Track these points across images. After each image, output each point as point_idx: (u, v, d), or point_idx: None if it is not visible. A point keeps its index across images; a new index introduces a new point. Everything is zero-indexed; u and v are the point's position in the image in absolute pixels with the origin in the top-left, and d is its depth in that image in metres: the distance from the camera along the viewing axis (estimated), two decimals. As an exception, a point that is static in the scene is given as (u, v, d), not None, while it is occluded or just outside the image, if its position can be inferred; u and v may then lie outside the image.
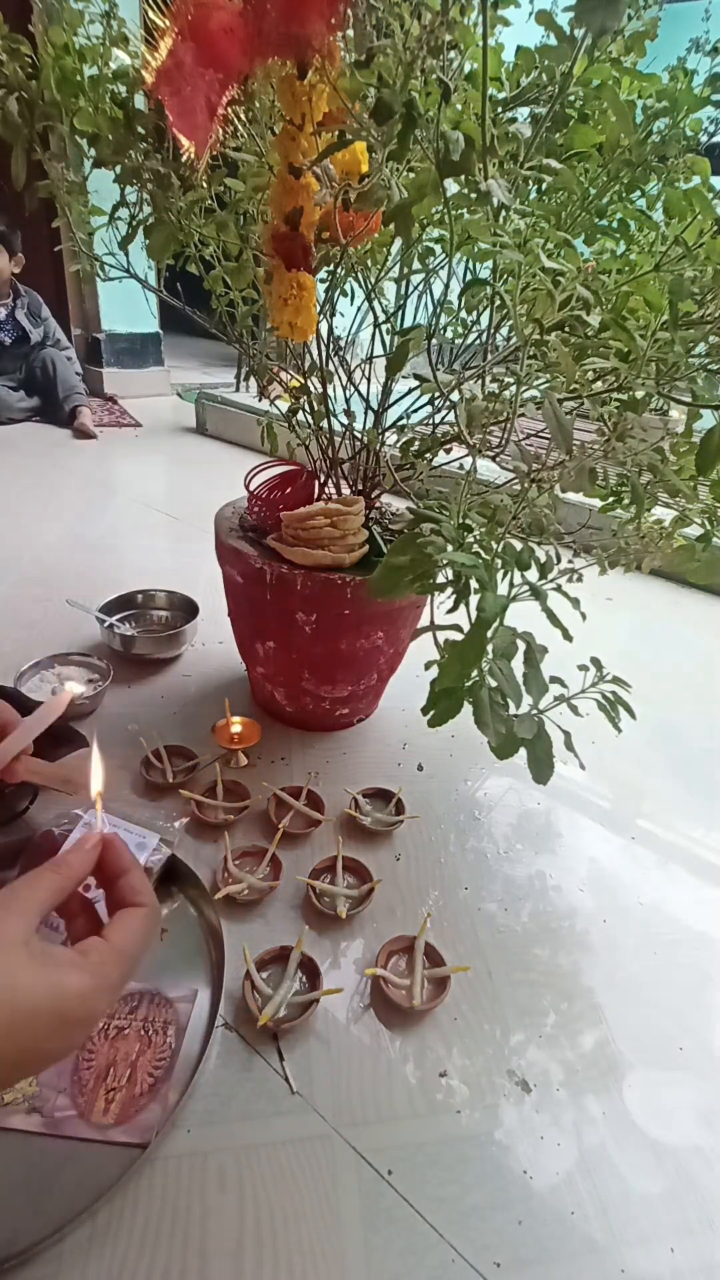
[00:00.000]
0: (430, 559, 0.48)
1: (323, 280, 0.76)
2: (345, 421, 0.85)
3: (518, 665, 0.49)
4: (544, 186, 0.68)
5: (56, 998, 0.29)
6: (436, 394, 0.74)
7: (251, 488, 0.87)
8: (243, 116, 0.68)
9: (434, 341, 0.69)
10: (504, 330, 0.68)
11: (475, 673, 0.48)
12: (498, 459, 0.68)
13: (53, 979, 0.30)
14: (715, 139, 0.63)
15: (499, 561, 0.50)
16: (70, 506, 1.72)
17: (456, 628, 0.50)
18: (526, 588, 0.52)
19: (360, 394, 0.86)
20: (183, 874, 0.69)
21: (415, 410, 0.85)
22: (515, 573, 0.51)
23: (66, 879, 0.33)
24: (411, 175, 0.56)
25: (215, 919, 0.64)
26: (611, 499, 0.79)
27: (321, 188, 0.61)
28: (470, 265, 0.77)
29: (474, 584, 0.47)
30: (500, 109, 0.61)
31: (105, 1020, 0.55)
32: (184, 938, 0.64)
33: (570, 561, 0.61)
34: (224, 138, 0.65)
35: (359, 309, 0.85)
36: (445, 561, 0.47)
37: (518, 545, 0.52)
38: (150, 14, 0.62)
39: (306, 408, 0.84)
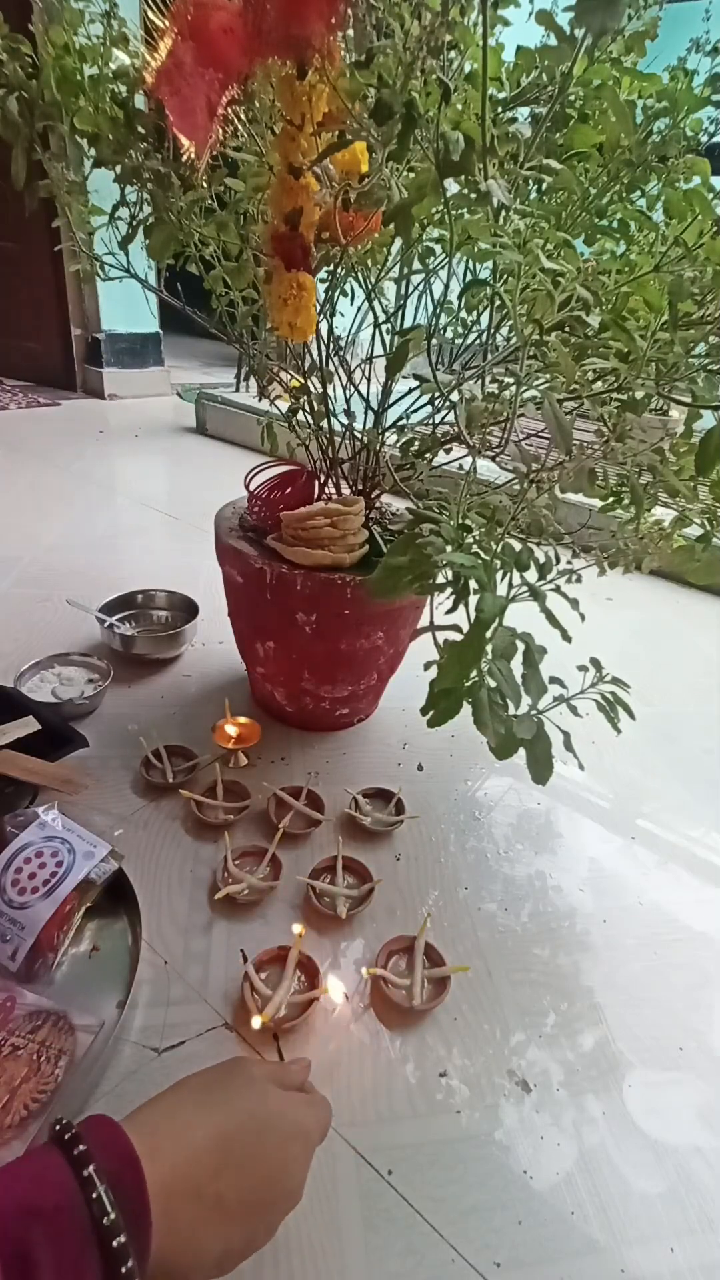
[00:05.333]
0: (429, 559, 0.48)
1: (323, 280, 0.76)
2: (345, 421, 0.85)
3: (517, 666, 0.49)
4: (544, 186, 0.68)
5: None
6: (436, 394, 0.74)
7: (251, 488, 0.87)
8: (243, 116, 0.68)
9: (434, 341, 0.69)
10: (504, 330, 0.68)
11: (474, 673, 0.48)
12: (497, 459, 0.68)
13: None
14: (715, 139, 0.63)
15: (498, 562, 0.50)
16: (70, 506, 1.72)
17: (456, 628, 0.50)
18: (525, 588, 0.52)
19: (360, 394, 0.86)
20: (128, 894, 0.65)
21: (415, 410, 0.85)
22: (514, 573, 0.51)
23: (292, 1072, 0.45)
24: (411, 175, 0.56)
25: (138, 950, 0.61)
26: (611, 499, 0.79)
27: (321, 188, 0.61)
28: (470, 265, 0.77)
29: (473, 584, 0.47)
30: (500, 109, 0.61)
31: (4, 1036, 0.51)
32: (113, 960, 0.61)
33: (570, 562, 0.61)
34: (224, 138, 0.65)
35: (359, 309, 0.85)
36: (444, 562, 0.47)
37: (517, 546, 0.52)
38: (150, 14, 0.62)
39: (306, 408, 0.84)
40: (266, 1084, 0.39)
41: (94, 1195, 0.29)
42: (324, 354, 0.82)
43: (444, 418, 0.78)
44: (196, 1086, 0.38)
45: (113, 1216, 0.29)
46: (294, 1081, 0.44)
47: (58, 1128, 0.32)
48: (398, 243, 0.75)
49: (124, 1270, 0.28)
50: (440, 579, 0.51)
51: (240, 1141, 0.35)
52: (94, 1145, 0.31)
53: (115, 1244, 0.28)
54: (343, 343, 0.85)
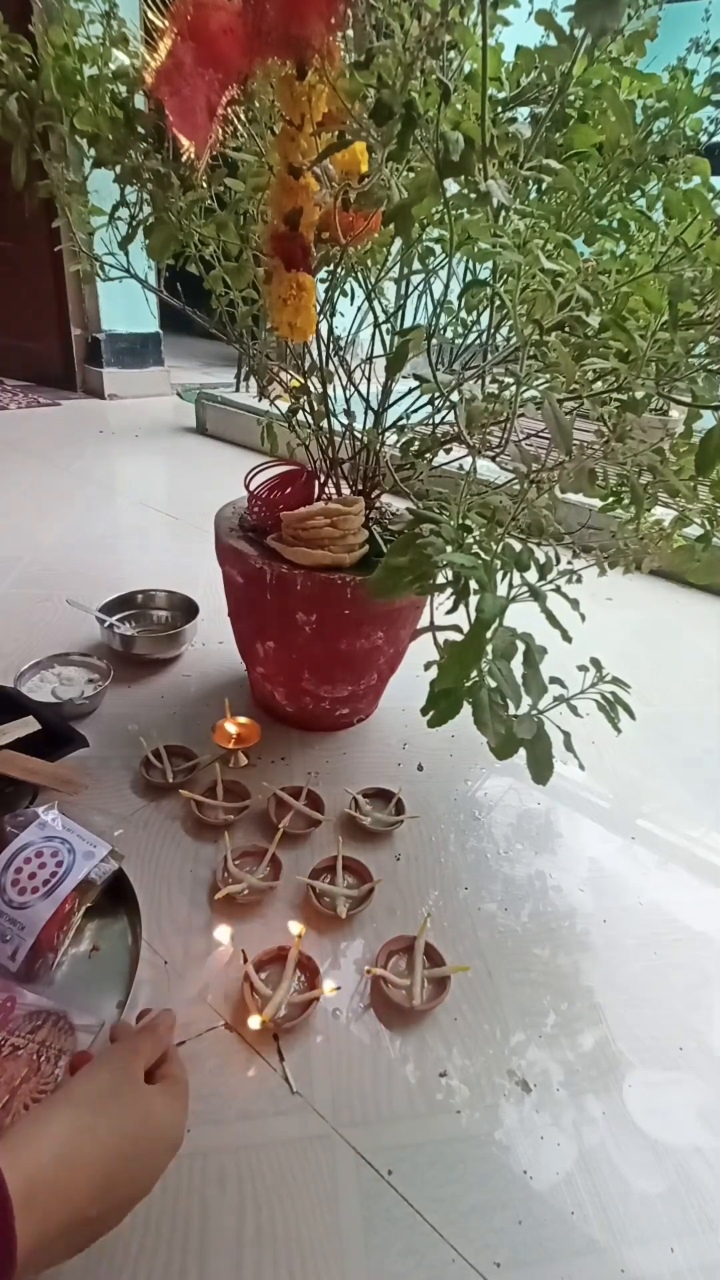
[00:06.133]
0: (429, 559, 0.48)
1: (323, 280, 0.76)
2: (345, 421, 0.85)
3: (517, 666, 0.49)
4: (544, 186, 0.68)
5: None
6: (436, 394, 0.74)
7: (251, 488, 0.87)
8: (243, 116, 0.68)
9: (434, 341, 0.69)
10: (504, 330, 0.68)
11: (475, 673, 0.48)
12: (498, 459, 0.68)
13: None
14: (715, 139, 0.63)
15: (498, 562, 0.49)
16: (70, 506, 1.72)
17: (456, 628, 0.50)
18: (526, 588, 0.52)
19: (360, 394, 0.86)
20: (128, 894, 0.66)
21: (415, 410, 0.85)
22: (514, 573, 0.51)
23: (160, 1041, 0.46)
24: (411, 175, 0.56)
25: (138, 950, 0.61)
26: (611, 499, 0.79)
27: (321, 188, 0.61)
28: (470, 265, 0.77)
29: (473, 585, 0.47)
30: (500, 109, 0.61)
31: (4, 1036, 0.51)
32: (113, 960, 0.61)
33: (570, 562, 0.61)
34: (224, 138, 0.65)
35: (359, 309, 0.85)
36: (444, 562, 0.47)
37: (517, 546, 0.52)
38: (150, 14, 0.62)
39: (306, 408, 0.84)
40: (148, 1098, 0.41)
41: None
42: (324, 354, 0.82)
43: (444, 418, 0.78)
44: (88, 1106, 0.39)
45: None
46: (159, 1051, 0.45)
47: None
48: (398, 243, 0.75)
49: None
50: (440, 579, 0.51)
51: (125, 1169, 0.37)
52: None
53: None
54: (343, 343, 0.85)
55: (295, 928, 0.63)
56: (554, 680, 0.57)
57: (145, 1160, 0.39)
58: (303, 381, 0.85)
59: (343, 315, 0.83)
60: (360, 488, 0.89)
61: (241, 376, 2.78)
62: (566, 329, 0.54)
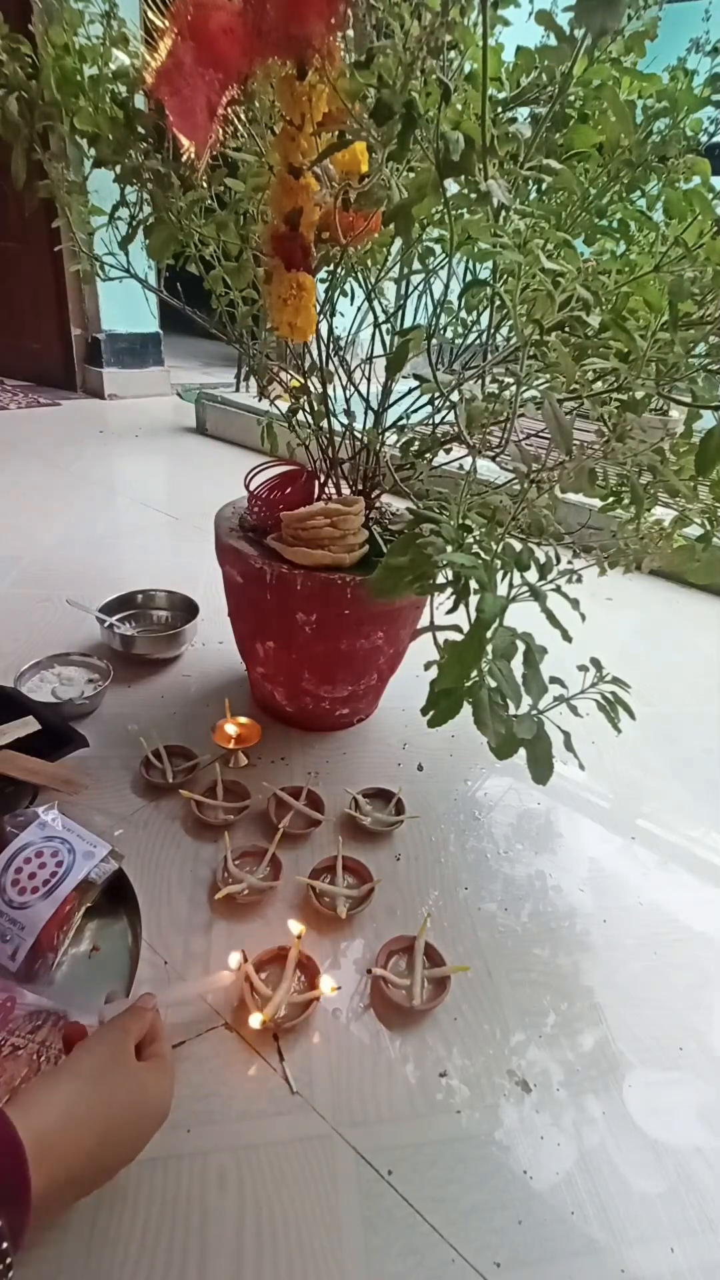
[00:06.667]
0: (430, 559, 0.48)
1: (323, 280, 0.76)
2: (345, 421, 0.85)
3: (517, 666, 0.49)
4: (544, 187, 0.68)
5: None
6: (436, 394, 0.74)
7: (251, 488, 0.87)
8: (243, 116, 0.68)
9: (434, 341, 0.69)
10: (504, 330, 0.68)
11: (475, 673, 0.48)
12: (498, 459, 0.68)
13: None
14: (715, 139, 0.63)
15: (498, 562, 0.49)
16: (70, 506, 1.72)
17: (456, 628, 0.50)
18: (526, 588, 0.52)
19: (360, 394, 0.86)
20: (128, 894, 0.66)
21: (415, 410, 0.85)
22: (515, 573, 0.51)
23: (148, 1020, 0.49)
24: (411, 175, 0.56)
25: (138, 950, 0.61)
26: (611, 499, 0.79)
27: (321, 188, 0.61)
28: (470, 265, 0.77)
29: (473, 585, 0.47)
30: (500, 109, 0.61)
31: (4, 1036, 0.51)
32: (113, 960, 0.61)
33: (570, 562, 0.61)
34: (224, 138, 0.65)
35: (359, 309, 0.85)
36: (445, 562, 0.47)
37: (517, 546, 0.52)
38: (150, 14, 0.62)
39: (306, 408, 0.84)
40: (141, 1073, 0.44)
41: None
42: (324, 354, 0.82)
43: (444, 418, 0.78)
44: (86, 1077, 0.42)
45: None
46: (144, 1030, 0.48)
47: None
48: (398, 243, 0.75)
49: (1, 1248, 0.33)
50: (440, 579, 0.51)
51: (116, 1133, 0.42)
52: None
53: None
54: (343, 343, 0.85)
55: (295, 927, 0.63)
56: (554, 680, 0.57)
57: (135, 1128, 0.43)
58: (303, 381, 0.85)
59: (343, 315, 0.83)
60: (360, 488, 0.89)
61: (241, 376, 2.78)
62: (566, 329, 0.54)
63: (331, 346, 0.83)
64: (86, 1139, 0.39)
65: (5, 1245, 0.33)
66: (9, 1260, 0.34)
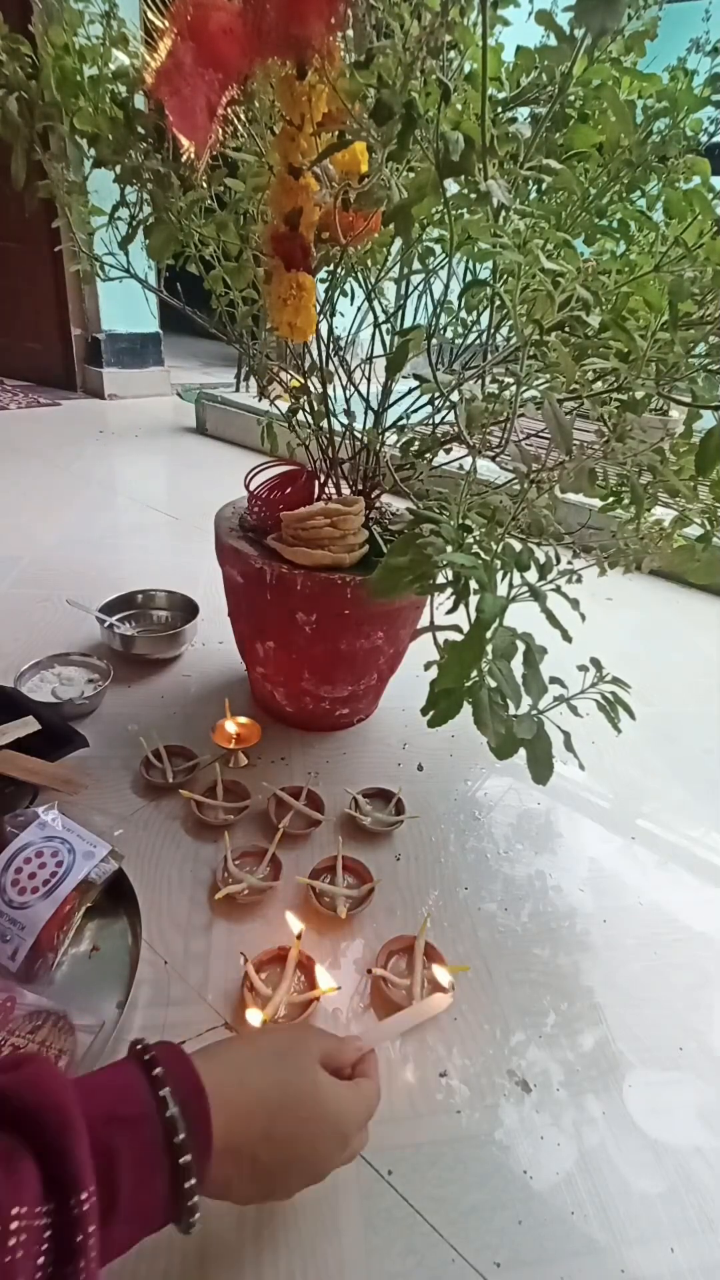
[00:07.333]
0: (429, 560, 0.48)
1: (323, 280, 0.76)
2: (345, 421, 0.85)
3: (517, 666, 0.49)
4: (544, 187, 0.68)
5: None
6: (436, 394, 0.74)
7: (251, 488, 0.87)
8: (243, 116, 0.68)
9: (434, 341, 0.69)
10: (504, 330, 0.68)
11: (475, 673, 0.48)
12: (498, 459, 0.68)
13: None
14: (715, 139, 0.63)
15: (498, 562, 0.49)
16: (70, 506, 1.72)
17: (456, 628, 0.50)
18: (526, 588, 0.52)
19: (360, 394, 0.86)
20: (128, 894, 0.66)
21: (415, 410, 0.85)
22: (515, 573, 0.51)
23: (353, 1051, 0.46)
24: (411, 175, 0.56)
25: (138, 950, 0.61)
26: (611, 499, 0.79)
27: (321, 188, 0.61)
28: (470, 265, 0.77)
29: (473, 585, 0.47)
30: (500, 109, 0.61)
31: (4, 1036, 0.51)
32: (113, 960, 0.61)
33: (570, 562, 0.61)
34: (224, 138, 0.65)
35: (359, 309, 0.85)
36: (444, 562, 0.47)
37: (517, 546, 0.52)
38: (150, 14, 0.62)
39: (306, 408, 0.84)
40: (321, 1074, 0.42)
41: (167, 1114, 0.33)
42: (324, 354, 0.82)
43: (444, 418, 0.78)
44: (264, 1051, 0.41)
45: (182, 1136, 0.33)
46: (346, 1059, 0.45)
47: (138, 1048, 0.36)
48: (398, 243, 0.75)
49: (187, 1186, 0.33)
50: (440, 579, 0.51)
51: (285, 1120, 0.39)
52: (168, 1071, 0.35)
53: (182, 1161, 0.33)
54: (343, 343, 0.85)
55: (295, 924, 0.63)
56: (554, 680, 0.57)
57: (309, 1125, 0.40)
58: (303, 381, 0.85)
59: (343, 315, 0.83)
60: (360, 488, 0.89)
61: (241, 376, 2.78)
62: (566, 329, 0.54)
63: (331, 346, 0.83)
64: (257, 1114, 0.38)
65: (192, 1183, 0.33)
66: (195, 1200, 0.33)
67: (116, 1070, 0.36)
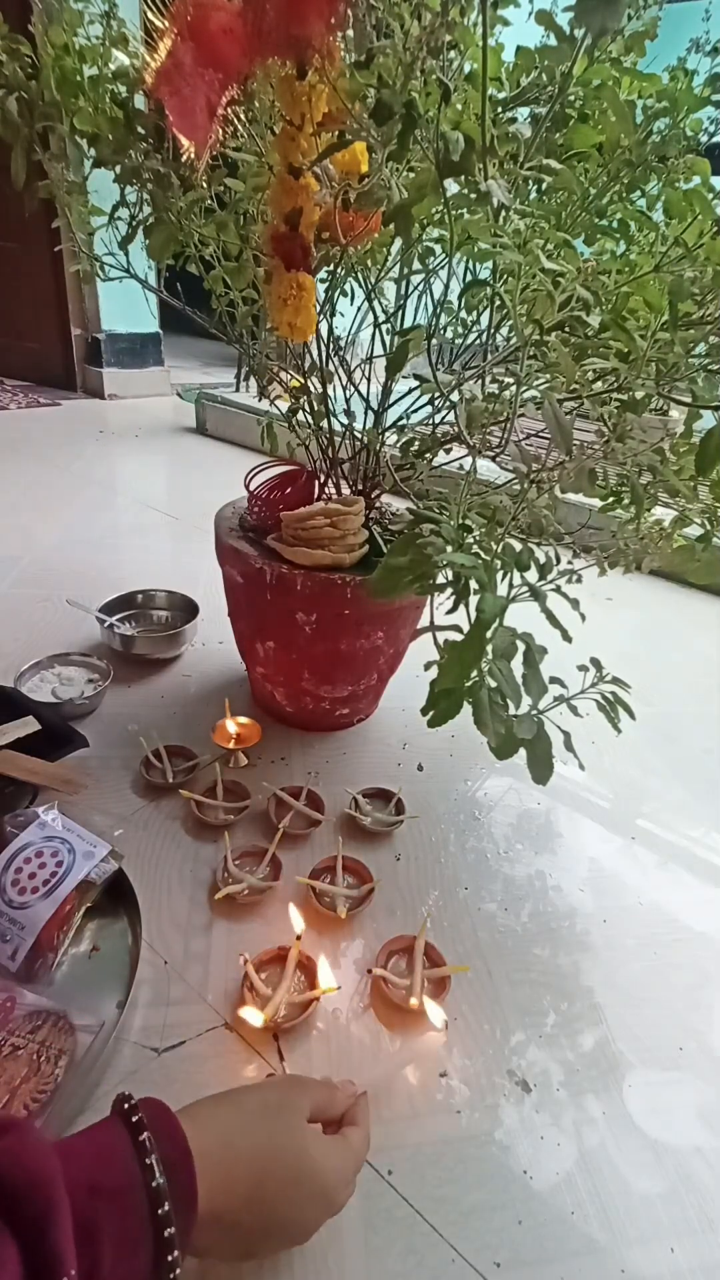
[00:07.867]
0: (429, 559, 0.48)
1: (323, 280, 0.76)
2: (345, 421, 0.85)
3: (517, 666, 0.49)
4: (544, 187, 0.68)
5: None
6: (436, 394, 0.74)
7: (251, 488, 0.87)
8: (243, 116, 0.68)
9: (434, 341, 0.69)
10: (504, 330, 0.68)
11: (475, 673, 0.48)
12: (498, 459, 0.68)
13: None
14: (715, 139, 0.63)
15: (498, 562, 0.49)
16: (70, 506, 1.72)
17: (456, 628, 0.50)
18: (526, 588, 0.52)
19: (360, 394, 0.86)
20: (128, 894, 0.65)
21: (415, 410, 0.85)
22: (515, 573, 0.51)
23: (344, 1100, 0.46)
24: (411, 175, 0.56)
25: (138, 950, 0.61)
26: (611, 499, 0.79)
27: (321, 188, 0.61)
28: (470, 265, 0.77)
29: (473, 585, 0.47)
30: (500, 109, 0.61)
31: (5, 1036, 0.51)
32: (113, 960, 0.61)
33: (570, 562, 0.61)
34: (224, 138, 0.65)
35: (359, 309, 0.85)
36: (444, 562, 0.47)
37: (517, 546, 0.52)
38: (150, 14, 0.62)
39: (306, 408, 0.84)
40: (309, 1134, 0.41)
41: (154, 1184, 0.32)
42: (324, 354, 0.82)
43: (444, 418, 0.78)
44: (252, 1110, 0.40)
45: (166, 1208, 0.32)
46: (337, 1110, 0.45)
47: (125, 1107, 0.36)
48: (398, 243, 0.75)
49: (170, 1259, 0.32)
50: (440, 579, 0.51)
51: (270, 1185, 0.38)
52: (155, 1135, 0.34)
53: (166, 1233, 0.32)
54: (343, 343, 0.85)
55: (298, 922, 0.63)
56: (554, 680, 0.57)
57: (294, 1189, 0.39)
58: (303, 381, 0.85)
59: (343, 315, 0.83)
60: (360, 488, 0.89)
61: (241, 376, 2.78)
62: (566, 329, 0.54)
63: (331, 346, 0.83)
64: (242, 1179, 0.37)
65: (175, 1255, 0.32)
66: (178, 1272, 0.32)
67: (101, 1131, 0.35)
